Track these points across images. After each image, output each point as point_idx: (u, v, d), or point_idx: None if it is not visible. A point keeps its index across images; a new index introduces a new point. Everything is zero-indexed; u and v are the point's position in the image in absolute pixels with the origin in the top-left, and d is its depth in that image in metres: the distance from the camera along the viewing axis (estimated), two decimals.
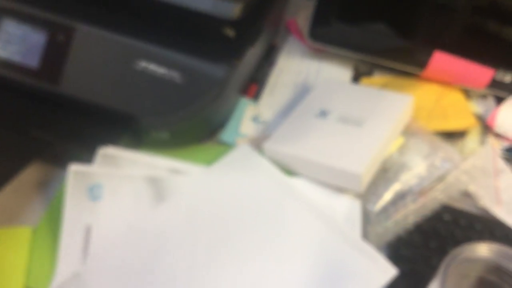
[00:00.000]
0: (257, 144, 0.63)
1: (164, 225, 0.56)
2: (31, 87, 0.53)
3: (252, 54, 0.64)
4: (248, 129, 0.66)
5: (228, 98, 0.63)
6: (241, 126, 0.66)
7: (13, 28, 0.58)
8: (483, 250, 0.42)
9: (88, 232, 0.55)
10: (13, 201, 0.58)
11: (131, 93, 0.56)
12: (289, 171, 0.61)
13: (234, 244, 0.55)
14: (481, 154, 0.63)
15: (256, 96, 0.71)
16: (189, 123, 0.59)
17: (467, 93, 0.71)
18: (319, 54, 0.76)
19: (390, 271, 0.53)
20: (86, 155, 0.57)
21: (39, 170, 0.60)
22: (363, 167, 0.55)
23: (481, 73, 0.67)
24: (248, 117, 0.67)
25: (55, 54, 0.57)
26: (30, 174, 0.59)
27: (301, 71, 0.74)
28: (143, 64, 0.56)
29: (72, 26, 0.57)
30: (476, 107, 0.70)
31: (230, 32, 0.59)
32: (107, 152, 0.57)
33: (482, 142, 0.66)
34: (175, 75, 0.56)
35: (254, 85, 0.71)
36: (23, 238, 0.56)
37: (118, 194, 0.57)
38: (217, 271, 0.53)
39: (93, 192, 0.56)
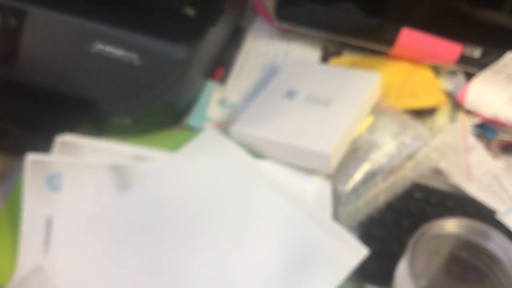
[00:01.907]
0: (225, 127, 0.62)
1: (129, 213, 0.54)
2: None
3: (215, 34, 0.62)
4: (216, 113, 0.65)
5: (192, 81, 0.61)
6: (208, 110, 0.65)
7: None
8: (452, 225, 0.41)
9: (49, 223, 0.53)
10: None
11: (88, 77, 0.54)
12: (257, 154, 0.60)
13: (202, 229, 0.54)
14: (451, 130, 0.63)
15: (223, 79, 0.69)
16: (152, 108, 0.57)
17: (436, 70, 0.70)
18: (287, 35, 0.74)
19: (361, 251, 0.52)
20: (44, 144, 0.55)
21: None
22: (331, 147, 0.54)
23: (450, 49, 0.66)
24: (215, 101, 0.65)
25: (7, 39, 0.55)
26: None
27: (269, 52, 0.73)
28: (99, 46, 0.54)
29: (24, 9, 0.54)
30: (445, 84, 0.70)
31: (190, 12, 0.57)
32: (66, 140, 0.55)
33: (453, 119, 0.66)
34: (133, 57, 0.54)
35: (221, 69, 0.70)
36: None
37: (79, 183, 0.55)
38: (186, 257, 0.52)
39: (52, 182, 0.54)
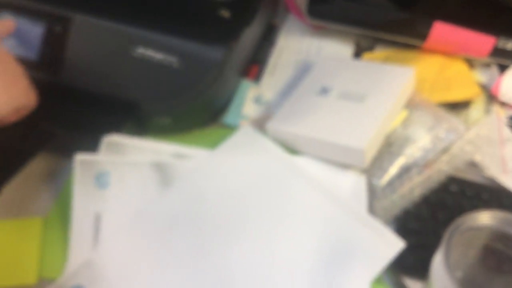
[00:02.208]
0: (260, 125, 0.64)
1: (172, 209, 0.56)
2: (33, 79, 0.54)
3: (250, 34, 0.64)
4: (251, 111, 0.66)
5: (228, 80, 0.63)
6: (243, 108, 0.66)
7: None
8: (486, 218, 0.42)
9: (97, 219, 0.56)
10: (22, 193, 0.59)
11: (130, 80, 0.57)
12: (293, 150, 0.61)
13: (241, 224, 0.56)
14: (485, 123, 0.62)
15: (257, 77, 0.70)
16: (190, 107, 0.59)
17: (470, 63, 0.70)
18: (319, 31, 0.75)
19: (397, 244, 0.53)
20: (91, 144, 0.57)
21: (46, 161, 0.61)
22: (366, 142, 0.55)
23: (483, 42, 0.66)
24: (250, 99, 0.67)
25: (53, 46, 0.58)
26: (37, 165, 0.60)
27: (302, 49, 0.74)
28: (141, 51, 0.56)
29: (69, 17, 0.57)
30: (479, 76, 0.69)
31: (225, 14, 0.59)
32: (112, 140, 0.58)
33: (487, 111, 0.66)
34: (172, 60, 0.56)
35: (255, 66, 0.71)
36: (34, 229, 0.57)
37: (124, 180, 0.57)
38: (226, 252, 0.54)
39: (100, 180, 0.57)
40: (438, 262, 0.41)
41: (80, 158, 0.56)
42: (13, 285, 0.54)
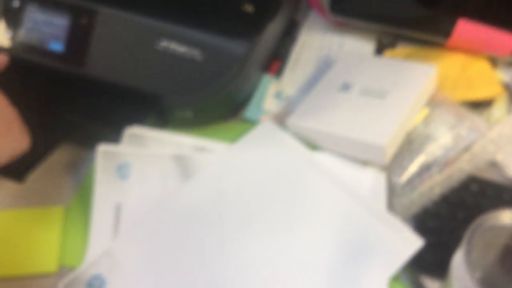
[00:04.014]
0: (281, 120, 0.64)
1: (191, 201, 0.57)
2: (58, 70, 0.55)
3: (272, 29, 0.64)
4: (272, 106, 0.66)
5: (250, 75, 0.63)
6: (264, 103, 0.67)
7: (37, 13, 0.60)
8: (508, 217, 0.42)
9: (118, 210, 0.57)
10: (45, 182, 0.60)
11: (153, 73, 0.57)
12: (313, 146, 0.61)
13: (260, 219, 0.56)
14: (508, 122, 0.62)
15: (278, 72, 0.71)
16: (212, 101, 0.60)
17: (493, 61, 0.69)
18: (341, 27, 0.75)
19: (416, 242, 0.53)
20: (113, 136, 0.58)
21: (69, 151, 0.62)
22: (387, 139, 0.55)
23: (507, 40, 0.66)
24: (271, 94, 0.67)
25: (79, 38, 0.58)
26: (60, 155, 0.61)
27: (323, 45, 0.74)
28: (164, 44, 0.56)
29: (94, 9, 0.58)
30: (502, 75, 0.69)
31: (249, 8, 0.59)
32: (134, 132, 0.58)
33: (509, 110, 0.65)
34: (196, 54, 0.56)
35: (276, 62, 0.71)
36: (55, 218, 0.58)
37: (145, 172, 0.58)
38: (245, 245, 0.54)
39: (121, 171, 0.58)
40: (458, 261, 0.41)
41: (103, 149, 0.57)
42: (34, 273, 0.55)
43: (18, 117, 0.50)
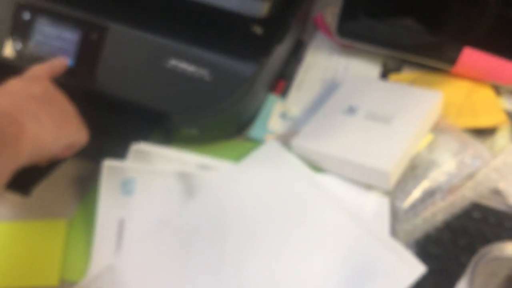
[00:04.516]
0: (285, 140, 0.64)
1: (194, 219, 0.57)
2: (67, 84, 0.55)
3: (280, 51, 0.64)
4: (276, 126, 0.67)
5: (257, 95, 0.64)
6: (269, 123, 0.67)
7: (47, 27, 0.60)
8: None
9: (121, 225, 0.57)
10: (49, 195, 0.60)
11: (161, 90, 0.57)
12: (317, 168, 0.62)
13: (262, 240, 0.56)
14: (511, 151, 0.62)
15: (284, 92, 0.71)
16: (218, 120, 0.60)
17: (497, 90, 0.70)
18: (347, 50, 0.76)
19: (418, 268, 0.53)
20: (119, 151, 0.58)
21: (74, 165, 0.62)
22: (392, 164, 0.55)
23: (511, 70, 0.66)
24: (276, 114, 0.68)
25: (89, 53, 0.59)
26: (65, 169, 0.61)
27: (329, 67, 0.74)
28: (174, 62, 0.57)
29: (105, 25, 0.58)
30: (506, 103, 0.69)
31: (258, 30, 0.59)
32: (140, 148, 0.59)
33: None
34: (204, 73, 0.57)
35: (282, 82, 0.72)
36: (58, 230, 0.58)
37: (150, 189, 0.58)
38: (246, 265, 0.54)
39: (126, 187, 0.58)
40: None
41: (108, 164, 0.57)
42: (35, 285, 0.55)
43: (77, 113, 0.54)
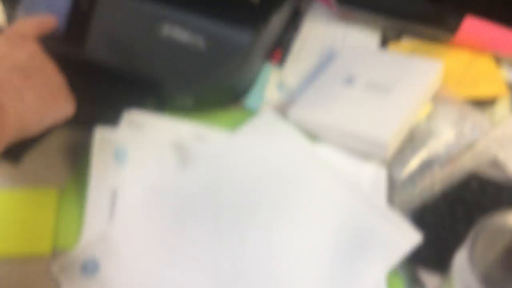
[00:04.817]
0: (282, 110, 0.63)
1: (189, 189, 0.56)
2: (57, 52, 0.53)
3: (277, 19, 0.63)
4: (273, 95, 0.66)
5: (253, 64, 0.62)
6: (265, 92, 0.66)
7: None
8: None
9: (113, 194, 0.56)
10: (40, 163, 0.59)
11: (155, 58, 0.56)
12: (314, 138, 0.61)
13: (258, 210, 0.55)
14: (511, 122, 0.62)
15: (281, 61, 0.69)
16: (213, 89, 0.59)
17: (498, 60, 0.69)
18: (345, 19, 0.74)
19: (414, 237, 0.53)
20: (111, 120, 0.57)
21: (65, 133, 0.61)
22: (390, 134, 0.54)
23: None
24: (272, 83, 0.66)
25: (80, 20, 0.57)
26: (56, 137, 0.59)
27: (327, 36, 0.73)
28: (167, 30, 0.55)
29: None
30: (507, 74, 0.68)
31: None
32: (132, 116, 0.57)
33: None
34: (199, 41, 0.55)
35: (279, 51, 0.70)
36: (50, 198, 0.57)
37: (143, 158, 0.57)
38: (242, 235, 0.54)
39: (118, 156, 0.57)
40: (460, 259, 0.41)
41: (100, 132, 0.56)
42: (27, 253, 0.54)
43: (65, 85, 0.51)
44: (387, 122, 0.56)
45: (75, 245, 0.53)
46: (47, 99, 0.47)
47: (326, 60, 0.69)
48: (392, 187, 0.57)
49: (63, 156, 0.60)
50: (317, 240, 0.53)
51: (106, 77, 0.58)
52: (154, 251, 0.53)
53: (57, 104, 0.49)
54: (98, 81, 0.59)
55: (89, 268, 0.51)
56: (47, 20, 0.54)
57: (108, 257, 0.52)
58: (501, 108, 0.64)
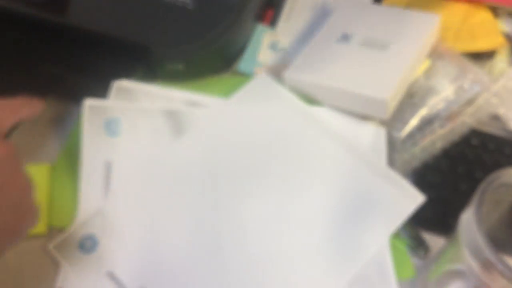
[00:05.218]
0: (277, 73, 0.61)
1: (184, 158, 0.55)
2: (39, 20, 0.51)
3: None
4: (267, 58, 0.63)
5: (244, 25, 0.60)
6: (259, 55, 0.63)
7: None
8: None
9: (108, 168, 0.54)
10: (29, 139, 0.57)
11: (141, 21, 0.54)
12: (310, 100, 0.59)
13: (256, 175, 0.54)
14: (511, 75, 0.60)
15: (273, 22, 0.67)
16: (204, 53, 0.56)
17: (495, 11, 0.67)
18: None
19: (417, 198, 0.52)
20: (100, 90, 0.55)
21: (53, 106, 0.58)
22: (389, 92, 0.53)
23: None
24: (265, 45, 0.64)
25: None
26: (44, 111, 0.57)
27: None
28: None
29: None
30: (505, 25, 0.66)
31: None
32: (122, 85, 0.55)
33: None
34: (187, 1, 0.52)
35: (270, 10, 0.67)
36: (42, 176, 0.55)
37: (135, 128, 0.55)
38: (241, 203, 0.53)
39: (110, 127, 0.55)
40: (467, 217, 0.40)
41: (89, 104, 0.54)
42: None
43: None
44: (386, 80, 0.54)
45: (72, 223, 0.52)
46: (12, 222, 0.38)
47: (320, 18, 0.67)
48: (392, 147, 0.56)
49: (53, 131, 0.58)
50: (318, 204, 0.52)
51: (92, 45, 0.55)
52: (152, 223, 0.52)
53: (24, 224, 0.40)
54: (84, 50, 0.56)
55: (87, 245, 0.50)
56: (29, 103, 0.44)
57: (106, 232, 0.51)
58: (500, 61, 0.62)
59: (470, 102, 0.56)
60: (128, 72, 0.56)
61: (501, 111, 0.58)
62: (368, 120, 0.57)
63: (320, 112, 0.58)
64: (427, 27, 0.58)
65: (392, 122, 0.57)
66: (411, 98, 0.57)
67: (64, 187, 0.55)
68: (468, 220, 0.40)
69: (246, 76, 0.62)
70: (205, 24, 0.53)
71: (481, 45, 0.63)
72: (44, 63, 0.56)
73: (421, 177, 0.56)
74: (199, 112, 0.57)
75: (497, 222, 0.45)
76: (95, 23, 0.54)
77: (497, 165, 0.55)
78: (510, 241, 0.45)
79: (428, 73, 0.58)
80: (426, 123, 0.56)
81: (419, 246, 0.52)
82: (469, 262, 0.40)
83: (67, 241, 0.50)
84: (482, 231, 0.38)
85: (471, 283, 0.44)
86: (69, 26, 0.54)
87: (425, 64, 0.58)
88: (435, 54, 0.59)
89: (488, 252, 0.37)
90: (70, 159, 0.56)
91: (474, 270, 0.40)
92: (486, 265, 0.38)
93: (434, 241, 0.53)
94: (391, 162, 0.55)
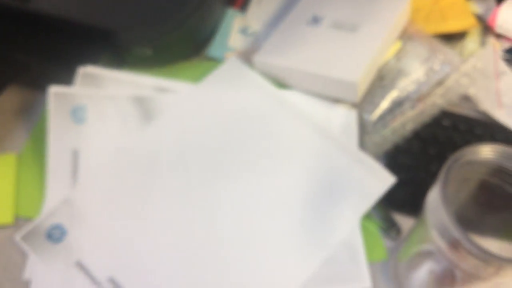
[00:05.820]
0: (247, 57, 0.60)
1: (154, 145, 0.54)
2: (1, 6, 0.49)
3: None
4: (237, 42, 0.63)
5: (213, 8, 0.59)
6: (229, 39, 0.63)
7: None
8: (486, 151, 0.40)
9: (75, 156, 0.53)
10: None
11: (107, 5, 0.52)
12: (281, 84, 0.58)
13: (228, 160, 0.54)
14: (481, 55, 0.60)
15: (243, 6, 0.66)
16: (172, 37, 0.55)
17: None
18: None
19: (388, 179, 0.52)
20: (65, 77, 0.54)
21: (18, 94, 0.57)
22: (359, 75, 0.52)
23: None
24: (236, 29, 0.63)
25: None
26: (8, 99, 0.56)
27: None
28: None
29: None
30: (475, 7, 0.67)
31: None
32: (88, 72, 0.54)
33: (483, 43, 0.63)
34: None
35: None
36: (8, 166, 0.54)
37: (103, 115, 0.54)
38: (213, 188, 0.52)
39: (76, 115, 0.54)
40: (433, 196, 0.40)
41: (54, 91, 0.53)
42: None
43: None
44: (356, 62, 0.54)
45: (39, 212, 0.51)
46: None
47: (291, 1, 0.66)
48: (363, 129, 0.56)
49: (18, 119, 0.57)
50: (289, 186, 0.52)
51: (57, 31, 0.54)
52: (122, 212, 0.51)
53: None
54: (48, 36, 0.55)
55: (55, 235, 0.49)
56: None
57: (75, 222, 0.50)
58: (471, 42, 0.62)
59: (440, 83, 0.56)
60: (94, 57, 0.55)
61: (472, 91, 0.59)
62: (339, 103, 0.57)
63: (291, 96, 0.57)
64: (397, 9, 0.58)
65: (363, 105, 0.56)
66: (382, 81, 0.57)
67: (31, 176, 0.54)
68: (434, 199, 0.39)
69: (216, 61, 0.61)
70: (172, 6, 0.52)
71: (452, 26, 0.63)
72: (8, 50, 0.54)
73: (392, 159, 0.55)
74: (168, 97, 0.56)
75: (465, 201, 0.45)
76: (59, 7, 0.53)
77: (468, 145, 0.55)
78: (480, 220, 0.45)
79: (399, 55, 0.58)
80: (397, 105, 0.56)
81: (390, 228, 0.52)
82: (437, 242, 0.40)
83: (34, 231, 0.49)
84: (448, 210, 0.37)
85: (440, 263, 0.44)
86: (32, 12, 0.53)
87: (396, 46, 0.58)
88: (406, 35, 0.59)
89: (455, 231, 0.37)
90: (37, 148, 0.55)
91: (443, 250, 0.40)
92: (454, 245, 0.38)
93: (406, 222, 0.53)
94: (363, 144, 0.55)
